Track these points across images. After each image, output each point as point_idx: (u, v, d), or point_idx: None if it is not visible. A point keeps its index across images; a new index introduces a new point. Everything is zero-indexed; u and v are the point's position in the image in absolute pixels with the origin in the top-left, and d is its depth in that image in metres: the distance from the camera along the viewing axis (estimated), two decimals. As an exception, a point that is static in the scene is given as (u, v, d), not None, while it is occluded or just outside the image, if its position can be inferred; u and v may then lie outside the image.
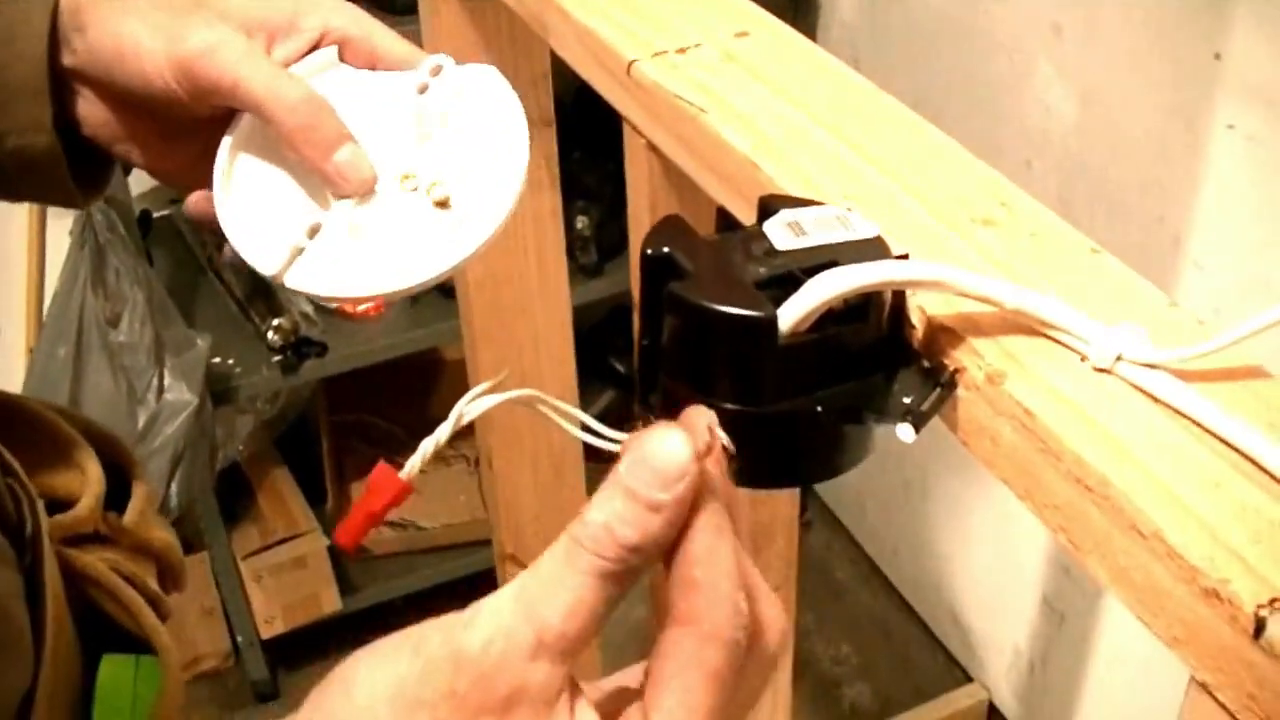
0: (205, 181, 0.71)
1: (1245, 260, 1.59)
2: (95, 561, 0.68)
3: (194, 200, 0.73)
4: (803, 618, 2.43)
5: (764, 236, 0.57)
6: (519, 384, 0.55)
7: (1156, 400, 0.55)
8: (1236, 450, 0.53)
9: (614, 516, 0.44)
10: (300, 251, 0.68)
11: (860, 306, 0.56)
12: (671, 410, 0.54)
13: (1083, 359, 0.56)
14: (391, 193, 0.68)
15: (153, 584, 0.73)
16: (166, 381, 2.07)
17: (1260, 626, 0.46)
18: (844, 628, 2.49)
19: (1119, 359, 0.56)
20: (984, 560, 2.24)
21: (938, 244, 0.63)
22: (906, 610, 2.49)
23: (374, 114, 0.70)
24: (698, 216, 0.80)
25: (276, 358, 2.12)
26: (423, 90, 0.70)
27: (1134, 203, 1.72)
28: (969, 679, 2.35)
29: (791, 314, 0.53)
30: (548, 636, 0.44)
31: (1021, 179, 0.71)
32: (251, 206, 0.70)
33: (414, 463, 0.59)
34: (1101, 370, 0.56)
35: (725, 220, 0.60)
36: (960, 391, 0.57)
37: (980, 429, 0.57)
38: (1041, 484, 0.55)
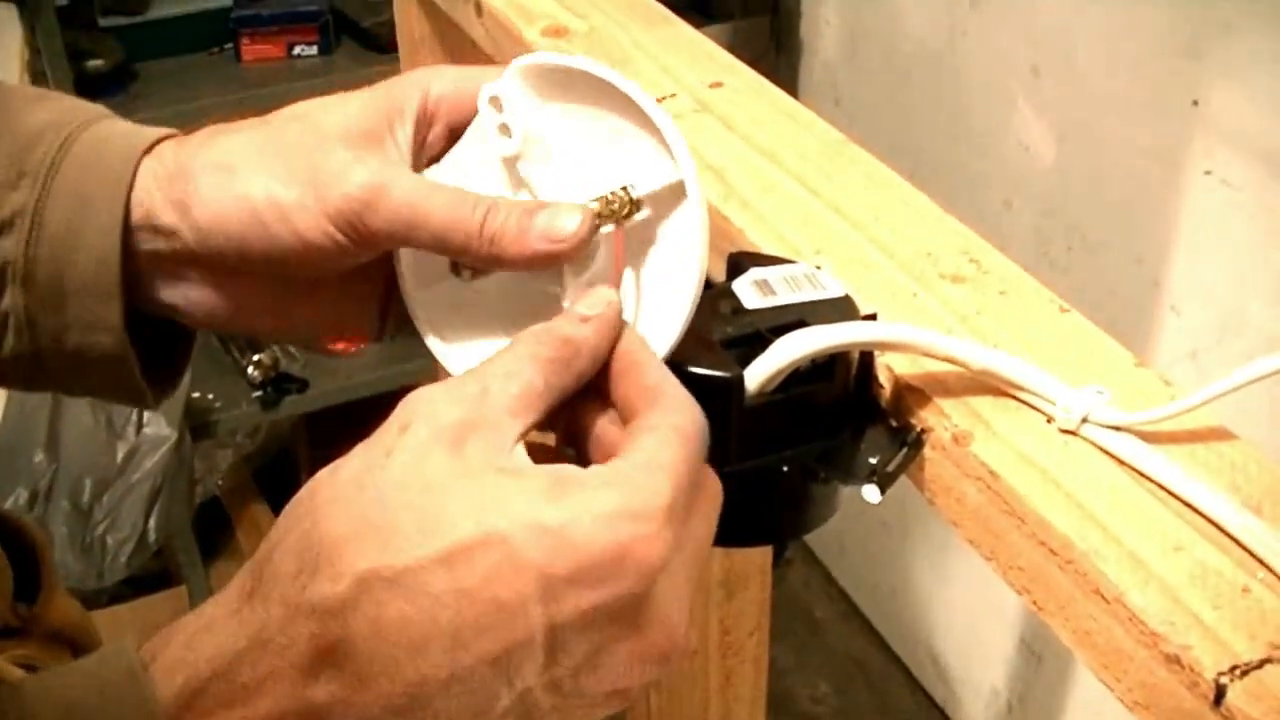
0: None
1: (1222, 304, 1.60)
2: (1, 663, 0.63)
3: None
4: (781, 655, 2.43)
5: (732, 295, 0.58)
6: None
7: (1121, 463, 0.55)
8: (1199, 513, 0.53)
9: (553, 322, 0.53)
10: None
11: (827, 366, 0.56)
12: None
13: (1049, 420, 0.57)
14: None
15: None
16: (145, 416, 2.06)
17: (1220, 694, 0.46)
18: (822, 666, 2.48)
19: (1085, 421, 0.56)
20: (962, 600, 2.23)
21: (907, 301, 0.63)
22: (885, 649, 2.49)
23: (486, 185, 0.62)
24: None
25: (257, 393, 2.11)
26: (504, 131, 0.60)
27: (1112, 245, 1.73)
28: (947, 719, 2.34)
29: (758, 374, 0.53)
30: (491, 388, 0.50)
31: (1000, 218, 0.71)
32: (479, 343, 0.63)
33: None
34: (1067, 432, 0.56)
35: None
36: (927, 451, 0.57)
37: (946, 489, 0.57)
38: (1006, 545, 0.55)
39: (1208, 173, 1.55)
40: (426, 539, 0.45)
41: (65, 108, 0.61)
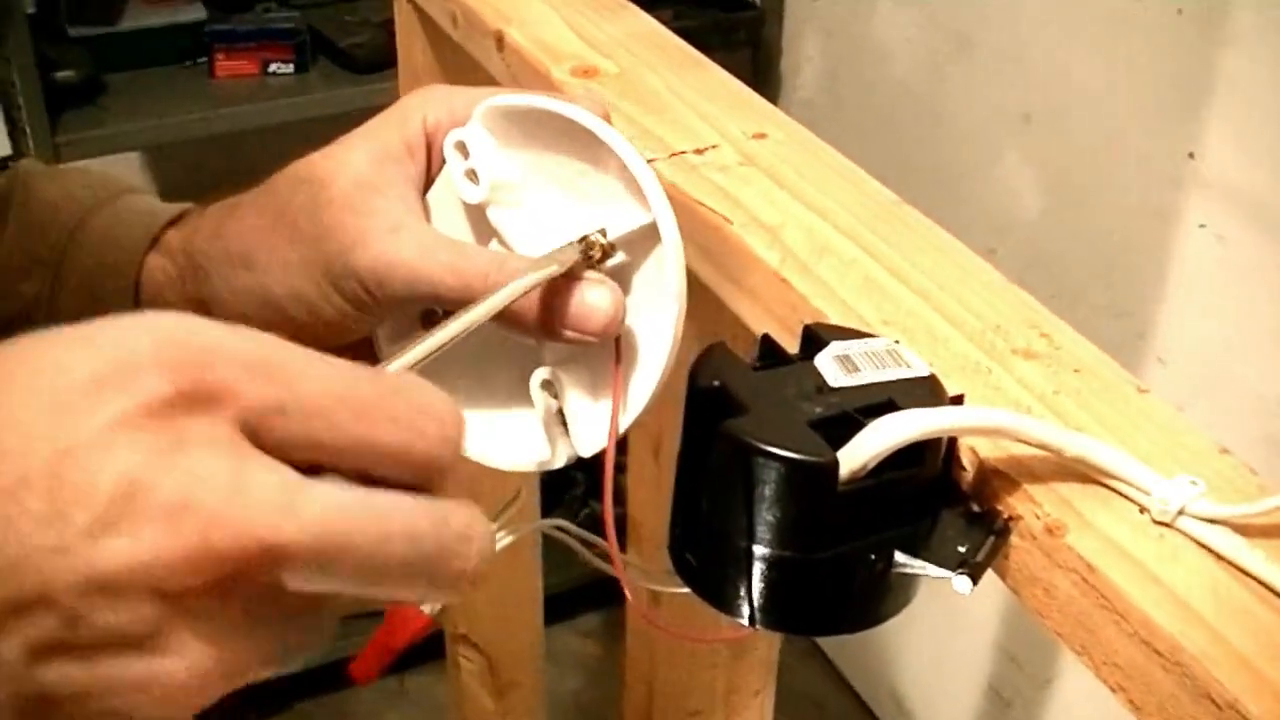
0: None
1: (1210, 357, 1.59)
2: None
3: None
4: (742, 694, 2.40)
5: (815, 370, 0.55)
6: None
7: (1220, 558, 0.53)
8: (1305, 616, 0.51)
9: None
10: (560, 416, 0.59)
11: (913, 450, 0.53)
12: (710, 567, 0.52)
13: (1141, 510, 0.54)
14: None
15: None
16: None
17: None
18: (782, 706, 2.45)
19: (1181, 513, 0.53)
20: (928, 643, 2.22)
21: (982, 378, 0.61)
22: (846, 690, 2.46)
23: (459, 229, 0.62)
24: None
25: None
26: (471, 178, 0.59)
27: (1097, 295, 1.72)
28: (909, 762, 2.33)
29: (852, 459, 0.51)
30: None
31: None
32: (485, 420, 0.62)
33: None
34: (1161, 524, 0.54)
35: (768, 346, 0.58)
36: (1014, 539, 0.55)
37: (1033, 579, 0.55)
38: (1101, 641, 0.52)
39: (1202, 226, 1.54)
40: None
41: (77, 184, 0.61)
